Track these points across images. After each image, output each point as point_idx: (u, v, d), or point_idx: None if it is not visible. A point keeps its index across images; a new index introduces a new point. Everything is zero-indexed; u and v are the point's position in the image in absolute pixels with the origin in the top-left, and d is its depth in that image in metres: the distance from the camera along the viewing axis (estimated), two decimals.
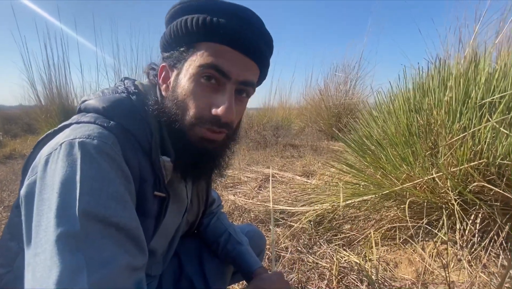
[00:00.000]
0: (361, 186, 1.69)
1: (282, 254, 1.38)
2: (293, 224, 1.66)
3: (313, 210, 1.70)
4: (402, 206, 1.36)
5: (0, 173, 3.10)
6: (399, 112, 1.64)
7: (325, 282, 1.17)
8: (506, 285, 1.04)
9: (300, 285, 1.16)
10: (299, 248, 1.42)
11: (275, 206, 1.94)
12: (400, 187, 1.37)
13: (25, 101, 6.09)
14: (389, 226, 1.48)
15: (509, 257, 1.13)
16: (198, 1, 0.46)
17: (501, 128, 1.19)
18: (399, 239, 1.38)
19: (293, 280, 1.18)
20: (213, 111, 0.44)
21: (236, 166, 3.19)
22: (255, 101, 6.78)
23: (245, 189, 2.41)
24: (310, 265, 1.29)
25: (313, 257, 1.34)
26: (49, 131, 0.43)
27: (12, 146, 4.58)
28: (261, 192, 2.35)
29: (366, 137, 1.77)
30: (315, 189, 2.15)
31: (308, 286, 1.15)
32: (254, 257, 0.70)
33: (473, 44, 1.59)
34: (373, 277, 1.05)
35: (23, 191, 0.37)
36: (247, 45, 0.45)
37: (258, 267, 0.67)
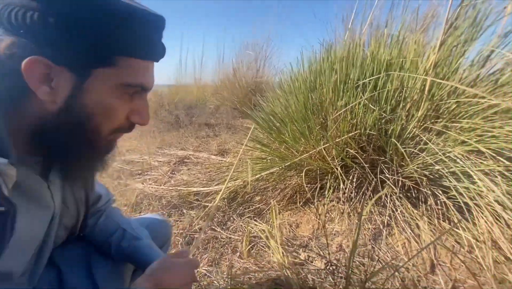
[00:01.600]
0: (269, 160, 1.83)
1: (195, 236, 1.37)
2: (207, 204, 1.67)
3: (226, 187, 1.75)
4: (300, 174, 1.55)
5: None
6: (298, 92, 1.81)
7: (237, 254, 1.24)
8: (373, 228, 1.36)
9: (214, 262, 1.20)
10: (213, 227, 1.45)
11: (189, 188, 1.90)
12: (299, 158, 1.55)
13: None
14: (292, 192, 1.68)
15: (361, 209, 1.47)
16: None
17: (370, 105, 1.48)
18: (299, 202, 1.59)
19: (206, 259, 1.21)
20: (132, 119, 0.46)
21: (144, 150, 2.92)
22: (165, 78, 6.21)
23: (156, 175, 2.24)
24: (224, 241, 1.34)
25: (227, 233, 1.40)
26: None
27: None
28: (174, 175, 2.25)
29: (272, 115, 1.89)
30: (230, 166, 2.21)
31: (221, 262, 1.20)
32: (155, 249, 0.66)
33: (350, 32, 1.87)
34: (274, 240, 1.18)
35: None
36: (161, 55, 0.47)
37: (159, 259, 0.63)
